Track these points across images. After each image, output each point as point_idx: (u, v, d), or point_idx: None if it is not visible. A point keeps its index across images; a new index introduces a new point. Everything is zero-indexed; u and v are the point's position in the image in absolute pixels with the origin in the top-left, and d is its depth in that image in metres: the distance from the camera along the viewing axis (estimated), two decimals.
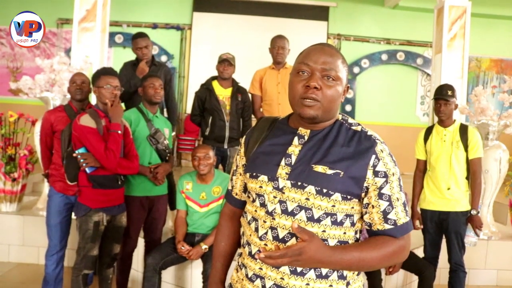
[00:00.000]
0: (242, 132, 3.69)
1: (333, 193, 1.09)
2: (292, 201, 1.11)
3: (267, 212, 1.14)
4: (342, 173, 1.10)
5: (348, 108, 7.24)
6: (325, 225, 1.11)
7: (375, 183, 1.11)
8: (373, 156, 1.11)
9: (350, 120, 1.21)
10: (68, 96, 3.07)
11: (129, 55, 3.74)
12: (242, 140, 1.33)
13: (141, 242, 3.10)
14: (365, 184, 1.11)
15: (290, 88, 1.17)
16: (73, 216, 2.77)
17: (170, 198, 3.09)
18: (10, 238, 3.82)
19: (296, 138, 1.18)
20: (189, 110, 5.59)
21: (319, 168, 1.11)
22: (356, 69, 7.26)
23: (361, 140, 1.14)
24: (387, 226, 1.12)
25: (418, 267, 2.99)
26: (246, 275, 1.19)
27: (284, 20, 7.08)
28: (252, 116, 3.88)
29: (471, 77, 7.23)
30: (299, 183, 1.11)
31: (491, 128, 3.88)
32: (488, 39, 7.13)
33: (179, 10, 7.19)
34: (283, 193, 1.12)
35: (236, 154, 1.36)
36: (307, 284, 1.11)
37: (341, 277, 1.13)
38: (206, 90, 3.65)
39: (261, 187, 1.17)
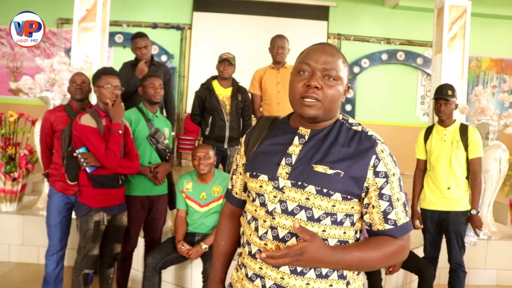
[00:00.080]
0: (242, 131, 3.69)
1: (333, 193, 1.09)
2: (292, 201, 1.11)
3: (267, 211, 1.14)
4: (343, 173, 1.10)
5: (348, 107, 7.24)
6: (325, 224, 1.11)
7: (376, 183, 1.11)
8: (374, 157, 1.11)
9: (351, 120, 1.21)
10: (68, 96, 3.07)
11: (129, 55, 3.74)
12: (242, 139, 1.33)
13: (141, 241, 3.10)
14: (366, 184, 1.11)
15: (290, 88, 1.17)
16: (73, 215, 2.77)
17: (170, 198, 3.09)
18: (10, 237, 3.82)
19: (296, 138, 1.18)
20: (189, 109, 5.59)
21: (320, 168, 1.11)
22: (356, 69, 7.26)
23: (362, 140, 1.14)
24: (387, 226, 1.13)
25: (418, 266, 2.99)
26: (246, 275, 1.19)
27: (284, 20, 7.08)
28: (252, 116, 3.88)
29: (471, 77, 7.23)
30: (300, 183, 1.11)
31: (491, 128, 3.88)
32: (488, 39, 7.13)
33: (179, 10, 7.18)
34: (283, 192, 1.12)
35: (236, 153, 1.36)
36: (307, 283, 1.11)
37: (341, 277, 1.13)
38: (206, 90, 3.65)
39: (261, 186, 1.17)
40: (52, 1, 6.84)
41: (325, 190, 1.09)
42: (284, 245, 1.10)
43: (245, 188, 1.30)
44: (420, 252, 3.28)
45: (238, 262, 1.27)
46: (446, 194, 2.95)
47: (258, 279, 1.15)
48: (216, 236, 1.38)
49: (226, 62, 3.58)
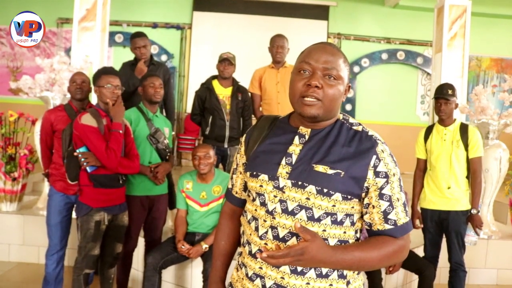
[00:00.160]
0: (242, 131, 3.69)
1: (333, 193, 1.09)
2: (293, 201, 1.11)
3: (267, 211, 1.14)
4: (343, 173, 1.10)
5: (348, 107, 7.24)
6: (325, 224, 1.11)
7: (376, 183, 1.11)
8: (374, 157, 1.11)
9: (351, 120, 1.21)
10: (68, 95, 3.07)
11: (129, 54, 3.74)
12: (243, 139, 1.32)
13: (141, 241, 3.10)
14: (366, 184, 1.11)
15: (291, 87, 1.17)
16: (74, 215, 2.77)
17: (170, 197, 3.09)
18: (11, 237, 3.82)
19: (297, 137, 1.18)
20: (189, 109, 5.59)
21: (320, 168, 1.11)
22: (356, 69, 7.26)
23: (362, 140, 1.14)
24: (387, 226, 1.13)
25: (418, 266, 2.99)
26: (246, 274, 1.19)
27: (284, 20, 7.07)
28: (252, 115, 3.88)
29: (471, 76, 7.23)
30: (300, 183, 1.11)
31: (491, 127, 3.88)
32: (488, 38, 7.13)
33: (179, 9, 7.18)
34: (284, 192, 1.12)
35: (236, 153, 1.35)
36: (308, 283, 1.11)
37: (341, 276, 1.13)
38: (206, 90, 3.65)
39: (261, 186, 1.17)
40: (52, 0, 6.84)
41: (325, 190, 1.09)
42: (284, 244, 1.10)
43: (245, 188, 1.30)
44: (420, 252, 3.28)
45: (238, 261, 1.27)
46: (446, 193, 2.95)
47: (258, 278, 1.15)
48: (216, 235, 1.38)
49: (226, 61, 3.58)
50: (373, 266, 1.13)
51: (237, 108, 3.65)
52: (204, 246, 2.87)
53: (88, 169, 2.48)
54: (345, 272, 1.14)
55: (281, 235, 1.11)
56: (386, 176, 1.11)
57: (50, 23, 6.84)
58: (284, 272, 1.11)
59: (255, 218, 1.18)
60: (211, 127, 3.61)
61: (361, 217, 1.18)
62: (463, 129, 2.96)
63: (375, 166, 1.11)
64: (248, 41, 6.81)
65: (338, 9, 7.26)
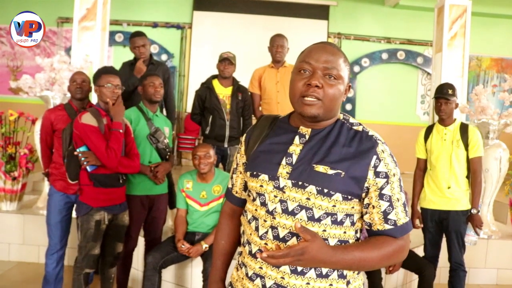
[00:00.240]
0: (242, 131, 3.69)
1: (334, 193, 1.09)
2: (293, 201, 1.11)
3: (267, 211, 1.14)
4: (343, 173, 1.10)
5: (348, 107, 7.24)
6: (326, 224, 1.11)
7: (376, 183, 1.11)
8: (374, 157, 1.11)
9: (351, 120, 1.21)
10: (68, 95, 3.07)
11: (129, 54, 3.74)
12: (243, 138, 1.32)
13: (141, 241, 3.10)
14: (366, 185, 1.11)
15: (291, 87, 1.16)
16: (74, 215, 2.77)
17: (170, 197, 3.09)
18: (11, 237, 3.82)
19: (297, 137, 1.18)
20: (189, 109, 5.58)
21: (320, 168, 1.10)
22: (356, 68, 7.26)
23: (362, 140, 1.14)
24: (387, 226, 1.13)
25: (418, 266, 2.99)
26: (246, 274, 1.19)
27: (285, 19, 7.07)
28: (252, 115, 3.88)
29: (472, 76, 7.23)
30: (300, 183, 1.11)
31: (491, 127, 3.88)
32: (488, 38, 7.13)
33: (179, 9, 7.18)
34: (284, 192, 1.12)
35: (236, 152, 1.35)
36: (308, 283, 1.11)
37: (341, 276, 1.13)
38: (206, 89, 3.65)
39: (261, 186, 1.16)
40: (53, 0, 6.84)
41: (325, 190, 1.09)
42: (284, 244, 1.10)
43: (246, 187, 1.30)
44: (420, 252, 3.28)
45: (238, 261, 1.27)
46: (446, 193, 2.95)
47: (258, 278, 1.15)
48: (216, 235, 1.38)
49: (226, 61, 3.58)
50: (373, 266, 1.13)
51: (237, 107, 3.65)
52: (204, 245, 2.87)
53: (88, 168, 2.48)
54: (345, 272, 1.14)
55: (281, 235, 1.11)
56: (386, 176, 1.11)
57: (50, 23, 6.84)
58: (284, 272, 1.11)
59: (255, 218, 1.18)
60: (211, 126, 3.61)
61: (361, 217, 1.18)
62: (463, 129, 2.96)
63: (375, 166, 1.11)
64: (248, 41, 6.80)
65: (338, 9, 7.26)
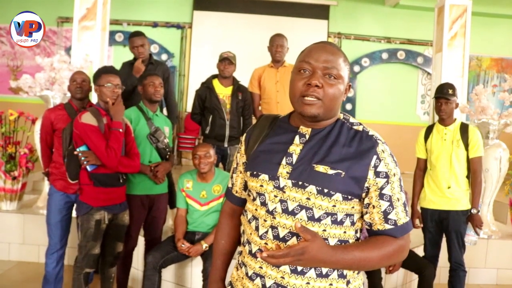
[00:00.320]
0: (242, 130, 3.69)
1: (334, 193, 1.09)
2: (293, 201, 1.11)
3: (267, 211, 1.14)
4: (343, 173, 1.10)
5: (348, 107, 7.23)
6: (326, 224, 1.11)
7: (376, 183, 1.11)
8: (375, 157, 1.11)
9: (352, 120, 1.21)
10: (68, 94, 3.07)
11: (130, 53, 3.74)
12: (243, 138, 1.32)
13: (141, 240, 3.10)
14: (366, 185, 1.11)
15: (291, 86, 1.16)
16: (74, 214, 2.77)
17: (170, 197, 3.09)
18: (11, 236, 3.82)
19: (297, 137, 1.18)
20: (189, 108, 5.57)
21: (320, 168, 1.10)
22: (356, 68, 7.25)
23: (363, 140, 1.14)
24: (387, 226, 1.13)
25: (418, 266, 2.99)
26: (246, 274, 1.19)
27: (285, 19, 7.07)
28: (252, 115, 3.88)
29: (472, 76, 7.23)
30: (300, 183, 1.11)
31: (491, 127, 3.88)
32: (488, 38, 7.12)
33: (180, 8, 7.18)
34: (284, 192, 1.12)
35: (236, 152, 1.35)
36: (308, 283, 1.11)
37: (341, 276, 1.13)
38: (206, 89, 3.65)
39: (261, 186, 1.16)
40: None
41: (326, 190, 1.09)
42: (284, 244, 1.10)
43: (246, 187, 1.30)
44: (420, 251, 3.28)
45: (238, 260, 1.27)
46: (446, 193, 2.94)
47: (258, 278, 1.15)
48: (216, 234, 1.38)
49: (226, 61, 3.58)
50: (373, 266, 1.13)
51: (237, 107, 3.65)
52: (204, 245, 2.87)
53: (88, 168, 2.48)
54: (345, 271, 1.14)
55: (281, 235, 1.11)
56: (387, 176, 1.11)
57: (50, 22, 6.84)
58: (284, 272, 1.11)
59: (255, 218, 1.18)
60: (211, 126, 3.61)
61: (361, 217, 1.18)
62: (464, 128, 2.96)
63: (375, 166, 1.11)
64: (248, 40, 6.80)
65: (338, 9, 7.26)
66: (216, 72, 3.71)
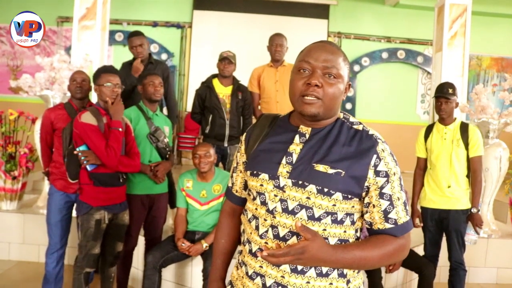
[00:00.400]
0: (242, 130, 3.69)
1: (334, 192, 1.09)
2: (293, 200, 1.11)
3: (267, 210, 1.14)
4: (343, 172, 1.10)
5: (348, 106, 7.23)
6: (326, 223, 1.11)
7: (376, 182, 1.11)
8: (375, 156, 1.11)
9: (352, 119, 1.20)
10: (68, 94, 3.07)
11: (129, 53, 3.74)
12: (243, 137, 1.32)
13: (141, 240, 3.10)
14: (366, 184, 1.11)
15: (291, 86, 1.16)
16: (74, 214, 2.77)
17: (170, 196, 3.09)
18: (11, 236, 3.82)
19: (297, 137, 1.18)
20: (189, 108, 5.58)
21: (320, 167, 1.10)
22: (356, 67, 7.25)
23: (363, 140, 1.14)
24: (387, 225, 1.13)
25: (418, 265, 2.99)
26: (246, 273, 1.19)
27: (285, 18, 7.07)
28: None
29: (472, 76, 7.23)
30: (300, 182, 1.11)
31: (491, 126, 3.87)
32: (488, 38, 7.12)
33: (180, 8, 7.18)
34: (284, 191, 1.12)
35: (236, 151, 1.35)
36: (308, 282, 1.11)
37: (341, 275, 1.13)
38: (206, 88, 3.65)
39: (261, 185, 1.16)
40: None
41: (326, 190, 1.09)
42: (284, 244, 1.10)
43: (246, 186, 1.30)
44: (420, 251, 3.28)
45: (238, 260, 1.27)
46: (447, 192, 2.94)
47: (259, 277, 1.15)
48: (216, 234, 1.38)
49: (226, 60, 3.58)
50: (374, 265, 1.13)
51: (237, 107, 3.65)
52: (204, 244, 2.87)
53: (88, 167, 2.48)
54: (345, 271, 1.14)
55: (281, 234, 1.11)
56: (387, 175, 1.11)
57: (50, 22, 6.84)
58: (284, 271, 1.11)
59: (255, 217, 1.18)
60: (211, 125, 3.61)
61: (361, 216, 1.18)
62: (464, 128, 2.96)
63: (375, 166, 1.11)
64: (248, 40, 6.80)
65: (338, 8, 7.26)
66: (216, 71, 3.71)
